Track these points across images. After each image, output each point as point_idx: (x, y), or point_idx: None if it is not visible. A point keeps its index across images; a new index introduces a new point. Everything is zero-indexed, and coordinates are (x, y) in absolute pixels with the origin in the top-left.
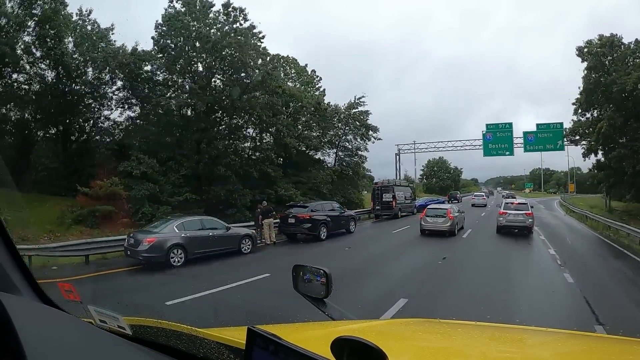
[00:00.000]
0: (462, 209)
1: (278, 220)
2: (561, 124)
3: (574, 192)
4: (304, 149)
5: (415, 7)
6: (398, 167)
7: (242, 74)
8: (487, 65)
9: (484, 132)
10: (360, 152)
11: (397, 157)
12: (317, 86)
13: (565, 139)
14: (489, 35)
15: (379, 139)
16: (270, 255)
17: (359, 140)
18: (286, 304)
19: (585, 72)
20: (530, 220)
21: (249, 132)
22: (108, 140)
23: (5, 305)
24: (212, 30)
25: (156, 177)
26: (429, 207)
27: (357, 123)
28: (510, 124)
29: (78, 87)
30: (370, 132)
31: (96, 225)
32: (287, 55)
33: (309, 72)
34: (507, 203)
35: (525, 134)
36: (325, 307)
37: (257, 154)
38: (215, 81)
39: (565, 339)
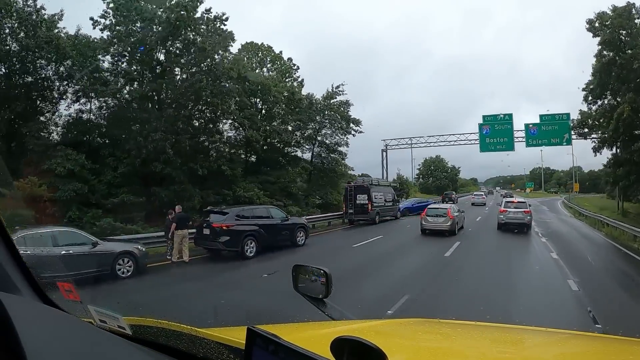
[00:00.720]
0: (462, 209)
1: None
2: (568, 114)
3: (577, 192)
4: (278, 145)
5: (417, 6)
6: (385, 165)
7: (192, 55)
8: (487, 64)
9: (481, 125)
10: (339, 148)
11: (384, 153)
12: (294, 76)
13: (572, 132)
14: (490, 35)
15: (361, 132)
16: (147, 284)
17: (339, 135)
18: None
19: (599, 48)
20: (528, 217)
21: (201, 124)
22: (47, 136)
23: (5, 305)
24: (158, 11)
25: (86, 175)
26: (429, 207)
27: (338, 116)
28: (510, 115)
29: (23, 79)
30: (352, 126)
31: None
32: (262, 43)
33: (286, 60)
34: (507, 202)
35: (527, 126)
36: (325, 307)
37: (209, 147)
38: (169, 67)
39: (566, 339)
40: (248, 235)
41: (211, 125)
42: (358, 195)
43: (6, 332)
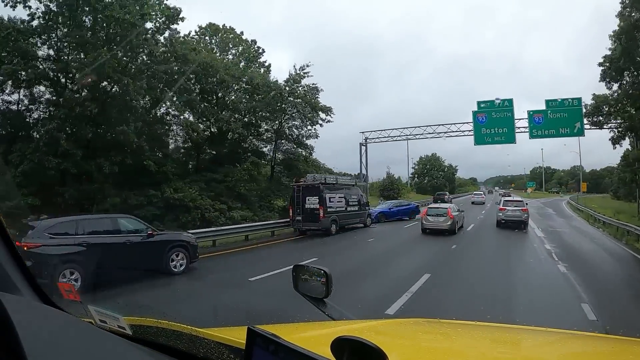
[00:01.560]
0: (462, 208)
1: None
2: (579, 99)
3: (585, 192)
4: (235, 137)
5: (418, 4)
6: (365, 162)
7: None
8: (488, 63)
9: (475, 113)
10: (306, 141)
11: (363, 148)
12: (261, 60)
13: (585, 120)
14: (491, 34)
15: (329, 121)
16: None
17: (308, 126)
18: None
19: (621, 5)
20: (525, 215)
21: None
22: None
23: (5, 305)
24: None
25: None
26: (429, 206)
27: (305, 104)
28: (511, 101)
29: None
30: (321, 114)
31: None
32: (224, 24)
33: (249, 42)
34: (506, 201)
35: (532, 114)
36: (325, 307)
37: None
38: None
39: (566, 339)
40: (67, 262)
41: (132, 113)
42: (308, 198)
43: (6, 332)
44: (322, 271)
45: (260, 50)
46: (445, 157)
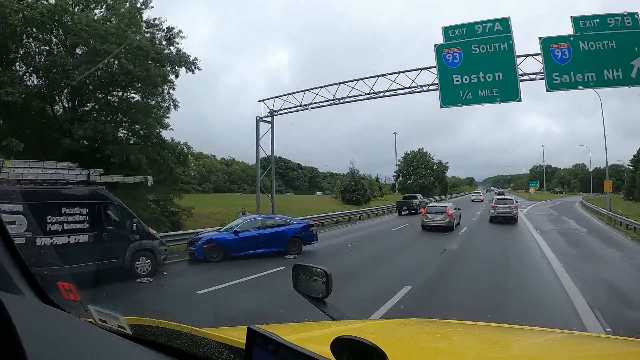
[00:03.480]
0: (459, 207)
1: None
2: (634, 15)
3: (610, 192)
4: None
5: (421, 4)
6: (271, 143)
7: None
8: None
9: (441, 47)
10: (154, 111)
11: (265, 125)
12: (146, 20)
13: None
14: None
15: (192, 70)
16: None
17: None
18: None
19: None
20: (515, 212)
21: None
22: None
23: (5, 305)
24: None
25: None
26: (429, 205)
27: (144, 50)
28: (506, 22)
29: None
30: (177, 69)
31: None
32: None
33: None
34: (498, 199)
35: (548, 43)
36: (325, 307)
37: None
38: None
39: (566, 339)
40: None
41: None
42: None
43: (6, 332)
44: (322, 271)
45: (140, 3)
46: (442, 155)
